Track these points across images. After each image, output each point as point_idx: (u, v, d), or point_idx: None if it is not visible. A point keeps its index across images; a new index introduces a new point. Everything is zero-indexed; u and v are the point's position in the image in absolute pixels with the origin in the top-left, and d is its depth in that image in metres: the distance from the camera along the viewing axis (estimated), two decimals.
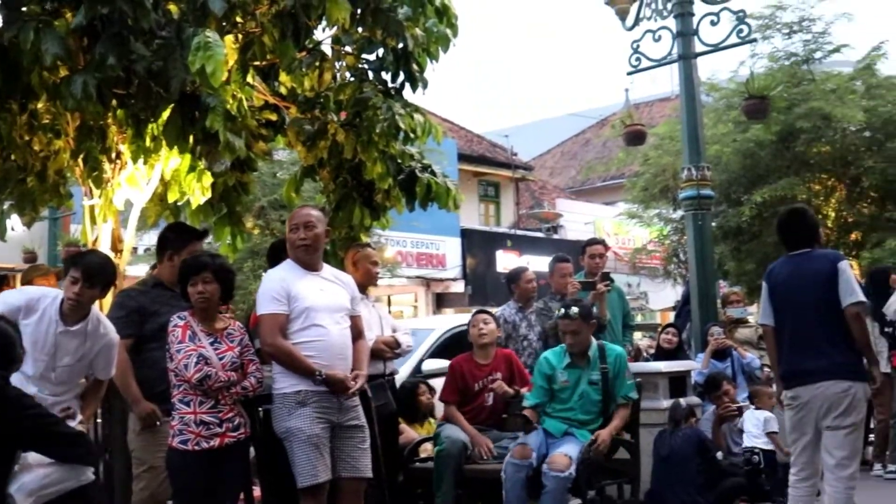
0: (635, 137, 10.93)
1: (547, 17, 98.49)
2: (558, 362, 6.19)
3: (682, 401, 7.29)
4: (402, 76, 6.27)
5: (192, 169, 6.12)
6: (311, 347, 4.82)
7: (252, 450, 5.15)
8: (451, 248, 23.28)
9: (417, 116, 6.36)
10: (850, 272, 5.17)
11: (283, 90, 6.55)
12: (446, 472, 6.01)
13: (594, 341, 6.30)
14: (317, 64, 6.24)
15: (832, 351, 5.11)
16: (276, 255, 5.68)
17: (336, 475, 4.82)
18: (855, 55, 15.23)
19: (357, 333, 5.13)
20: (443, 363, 7.43)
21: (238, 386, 4.73)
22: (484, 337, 6.51)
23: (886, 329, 8.48)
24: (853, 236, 14.62)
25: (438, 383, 7.04)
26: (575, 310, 6.18)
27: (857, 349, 5.15)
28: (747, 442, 7.45)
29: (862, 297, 5.11)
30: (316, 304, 4.90)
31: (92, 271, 4.54)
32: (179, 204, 6.50)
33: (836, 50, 14.67)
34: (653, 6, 9.77)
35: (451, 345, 8.07)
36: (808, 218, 5.49)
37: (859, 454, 5.13)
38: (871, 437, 8.85)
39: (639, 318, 24.64)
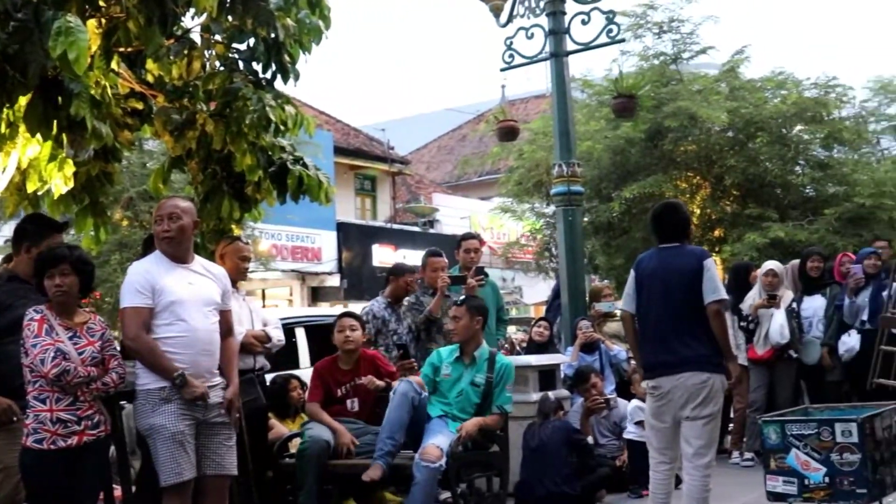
0: (508, 133, 11.02)
1: (424, 13, 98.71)
2: (447, 356, 6.29)
3: (551, 394, 7.44)
4: (273, 67, 6.15)
5: (52, 157, 5.89)
6: (175, 343, 4.69)
7: (113, 448, 5.01)
8: (327, 242, 23.14)
9: (289, 108, 6.26)
10: (715, 270, 5.34)
11: (150, 78, 6.35)
12: (309, 470, 5.97)
13: (486, 346, 6.35)
14: (185, 52, 6.07)
15: (693, 343, 5.27)
16: (149, 248, 5.53)
17: (201, 473, 4.72)
18: (720, 57, 15.76)
19: (226, 330, 5.03)
20: None
21: (98, 382, 4.58)
22: (349, 344, 6.50)
23: (741, 324, 8.80)
24: (716, 232, 15.06)
25: None
26: (464, 297, 6.39)
27: (716, 343, 5.32)
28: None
29: (724, 296, 5.28)
30: (183, 298, 4.76)
31: None
32: (39, 194, 6.24)
33: (703, 51, 15.10)
34: (526, 4, 9.85)
35: None
36: (680, 213, 5.63)
37: (716, 443, 5.32)
38: (731, 426, 9.20)
39: (513, 313, 24.99)
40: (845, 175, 14.76)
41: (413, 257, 18.94)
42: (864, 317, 8.36)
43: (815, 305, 8.96)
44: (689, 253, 5.42)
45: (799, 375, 8.91)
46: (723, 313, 5.30)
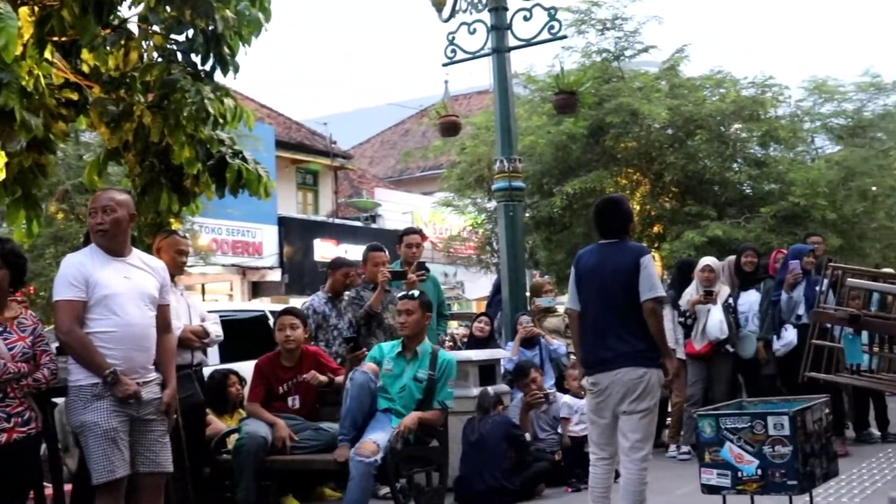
0: (449, 128, 11.02)
1: (367, 7, 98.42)
2: (389, 351, 6.25)
3: (490, 389, 7.45)
4: (212, 59, 6.07)
5: None
6: (109, 338, 4.59)
7: (44, 446, 4.92)
8: (268, 236, 22.98)
9: (228, 101, 6.20)
10: (653, 267, 5.34)
11: (85, 68, 6.24)
12: (246, 466, 5.92)
13: (428, 342, 6.34)
14: (122, 42, 5.98)
15: (630, 339, 5.30)
16: (89, 241, 5.43)
17: (135, 470, 4.64)
18: (661, 56, 15.92)
19: (164, 325, 4.94)
20: None
21: (29, 378, 4.49)
22: (290, 343, 6.47)
23: (679, 319, 8.91)
24: (656, 229, 15.23)
25: None
26: (416, 292, 6.33)
27: (653, 339, 5.36)
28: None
29: (660, 293, 5.30)
30: (118, 292, 4.66)
31: None
32: None
33: (645, 50, 15.24)
34: None
35: None
36: (621, 208, 5.61)
37: (652, 437, 5.33)
38: (668, 420, 9.31)
39: (455, 307, 25.04)
40: (781, 173, 15.02)
41: (355, 252, 18.85)
42: (801, 311, 8.50)
43: (750, 300, 9.12)
44: (628, 249, 5.43)
45: (735, 370, 9.05)
46: (658, 311, 5.33)
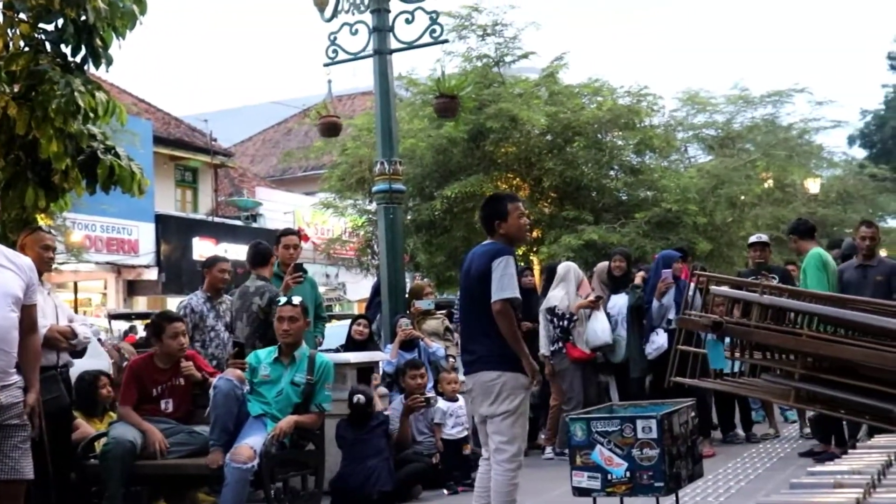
0: (330, 128, 10.91)
1: (250, 3, 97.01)
2: (265, 357, 6.15)
3: (362, 396, 7.36)
4: (83, 51, 5.87)
5: None
6: None
7: None
8: (145, 234, 22.42)
9: (100, 94, 6.01)
10: (507, 268, 5.16)
11: None
12: (113, 471, 5.74)
13: (306, 346, 6.25)
14: None
15: (486, 342, 5.25)
16: None
17: None
18: (541, 62, 16.13)
19: (29, 326, 4.71)
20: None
21: None
22: (183, 351, 6.33)
23: (558, 323, 8.99)
24: (535, 233, 15.41)
25: None
26: (298, 298, 6.23)
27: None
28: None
29: (507, 295, 5.12)
30: None
31: None
32: None
33: (525, 56, 15.42)
34: (350, 0, 9.78)
35: None
36: (488, 206, 5.53)
37: (518, 439, 5.23)
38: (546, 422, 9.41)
39: (337, 309, 24.85)
40: (655, 181, 15.42)
41: (235, 251, 18.56)
42: (671, 316, 8.70)
43: (619, 304, 9.28)
44: (486, 252, 5.30)
45: (608, 373, 9.21)
46: (506, 312, 5.16)
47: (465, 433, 7.92)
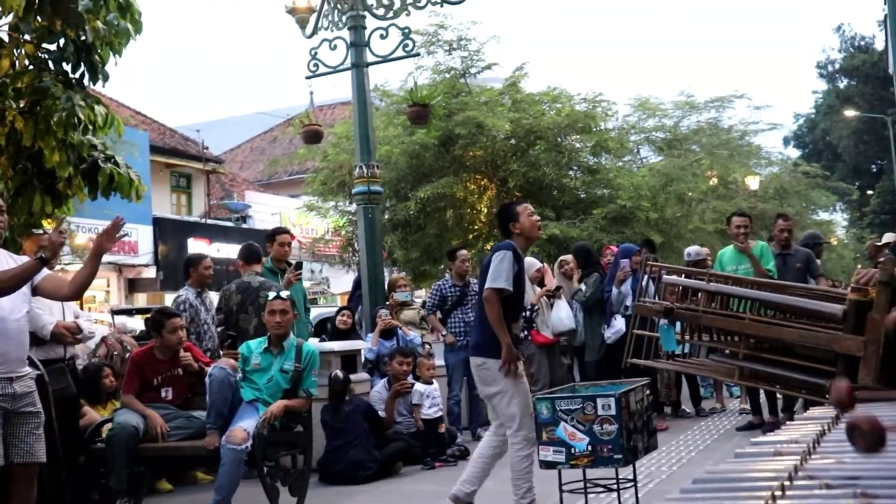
0: (312, 136, 10.87)
1: (237, 23, 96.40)
2: (256, 347, 6.12)
3: (340, 373, 7.36)
4: (82, 68, 5.82)
5: None
6: None
7: None
8: (144, 236, 22.22)
9: (99, 108, 5.97)
10: (501, 262, 5.17)
11: None
12: (118, 454, 5.70)
13: (293, 336, 6.22)
14: None
15: (478, 328, 5.36)
16: None
17: (9, 461, 4.41)
18: (504, 73, 16.15)
19: (60, 284, 4.74)
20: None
21: None
22: (182, 343, 6.28)
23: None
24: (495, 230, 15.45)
25: None
26: (287, 293, 6.19)
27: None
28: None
29: (496, 284, 5.14)
30: None
31: None
32: None
33: (488, 67, 15.42)
34: (329, 18, 9.75)
35: None
36: (502, 211, 5.60)
37: (517, 417, 5.15)
38: None
39: (322, 301, 24.78)
40: (610, 180, 15.50)
41: (227, 250, 18.52)
42: (629, 303, 8.76)
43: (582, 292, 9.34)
44: (494, 248, 5.37)
45: (570, 356, 9.26)
46: (491, 299, 5.16)
47: (440, 413, 7.95)
